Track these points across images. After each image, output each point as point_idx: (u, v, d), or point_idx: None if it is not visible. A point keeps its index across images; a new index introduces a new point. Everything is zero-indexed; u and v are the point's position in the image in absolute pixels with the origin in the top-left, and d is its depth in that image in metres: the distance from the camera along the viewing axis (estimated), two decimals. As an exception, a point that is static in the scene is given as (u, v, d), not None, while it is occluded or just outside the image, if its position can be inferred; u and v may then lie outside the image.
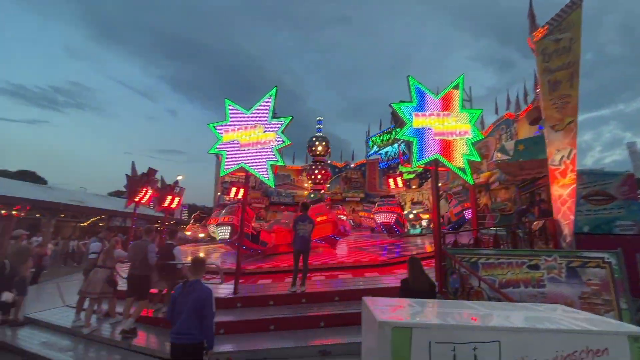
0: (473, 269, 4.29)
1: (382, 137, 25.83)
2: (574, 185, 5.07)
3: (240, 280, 6.20)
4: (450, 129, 5.58)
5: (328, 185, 25.62)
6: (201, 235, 16.90)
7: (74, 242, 17.48)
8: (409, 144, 5.67)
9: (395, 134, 5.65)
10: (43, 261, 10.79)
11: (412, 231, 15.23)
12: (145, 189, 12.06)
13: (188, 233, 17.36)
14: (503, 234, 7.32)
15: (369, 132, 28.38)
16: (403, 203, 21.57)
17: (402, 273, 6.04)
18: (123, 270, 6.58)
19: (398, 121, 5.87)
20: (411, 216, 15.89)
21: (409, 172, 18.60)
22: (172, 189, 13.12)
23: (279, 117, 6.29)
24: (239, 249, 6.44)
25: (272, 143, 6.14)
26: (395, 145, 22.73)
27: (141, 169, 12.37)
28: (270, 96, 6.39)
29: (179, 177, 15.74)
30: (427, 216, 15.87)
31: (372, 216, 14.53)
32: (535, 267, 4.10)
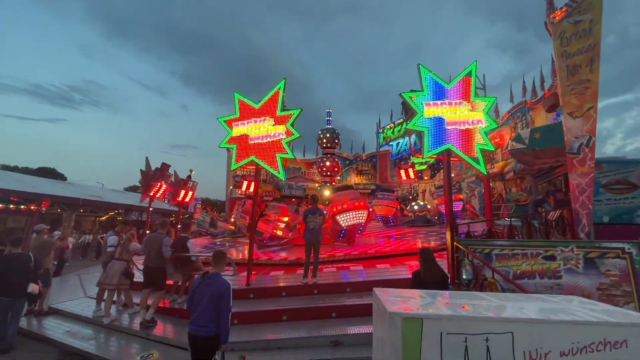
0: (487, 260, 4.22)
1: (393, 129, 25.47)
2: (593, 174, 4.90)
3: (253, 272, 6.30)
4: (462, 118, 5.44)
5: (339, 178, 25.54)
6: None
7: (88, 235, 17.97)
8: (420, 134, 5.57)
9: (406, 126, 5.54)
10: (65, 254, 11.22)
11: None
12: (159, 184, 12.33)
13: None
14: (518, 225, 7.16)
15: (379, 122, 28.01)
16: (415, 194, 21.43)
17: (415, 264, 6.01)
18: (139, 263, 6.78)
19: (409, 111, 5.75)
20: (416, 207, 15.83)
21: (421, 163, 18.32)
22: (185, 183, 13.36)
23: (288, 110, 6.27)
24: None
25: (281, 136, 6.14)
26: (407, 138, 22.43)
27: (155, 164, 12.65)
28: (279, 88, 6.35)
29: (192, 172, 15.98)
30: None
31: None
32: (551, 258, 4.00)
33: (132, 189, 39.00)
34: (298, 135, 6.13)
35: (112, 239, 6.27)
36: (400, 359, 1.84)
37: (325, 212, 7.31)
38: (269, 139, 6.20)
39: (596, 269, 3.82)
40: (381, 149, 27.55)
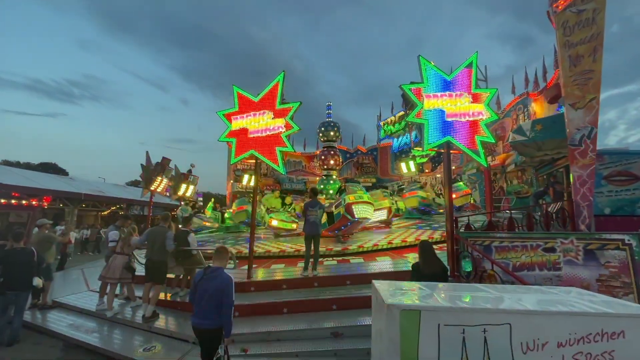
0: (486, 253, 4.22)
1: (394, 123, 25.28)
2: (594, 165, 4.87)
3: (254, 265, 6.34)
4: (463, 110, 5.39)
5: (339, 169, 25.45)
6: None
7: (86, 230, 17.87)
8: (420, 127, 5.52)
9: (407, 118, 5.49)
10: (67, 249, 11.31)
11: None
12: (160, 178, 12.36)
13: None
14: (519, 217, 7.14)
15: (380, 115, 27.85)
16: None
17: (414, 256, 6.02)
18: (140, 257, 6.82)
19: (409, 103, 5.70)
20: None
21: (422, 156, 18.26)
22: (186, 177, 13.39)
23: (288, 103, 6.22)
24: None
25: (281, 129, 6.11)
26: (407, 135, 22.26)
27: (156, 159, 12.65)
28: (278, 81, 6.28)
29: (193, 166, 15.99)
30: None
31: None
32: (551, 249, 4.00)
33: (134, 183, 39.12)
34: (297, 128, 6.10)
35: (113, 234, 6.30)
36: (398, 350, 1.86)
37: (325, 205, 7.30)
38: (268, 133, 6.16)
39: (596, 260, 3.82)
40: (382, 142, 27.43)
